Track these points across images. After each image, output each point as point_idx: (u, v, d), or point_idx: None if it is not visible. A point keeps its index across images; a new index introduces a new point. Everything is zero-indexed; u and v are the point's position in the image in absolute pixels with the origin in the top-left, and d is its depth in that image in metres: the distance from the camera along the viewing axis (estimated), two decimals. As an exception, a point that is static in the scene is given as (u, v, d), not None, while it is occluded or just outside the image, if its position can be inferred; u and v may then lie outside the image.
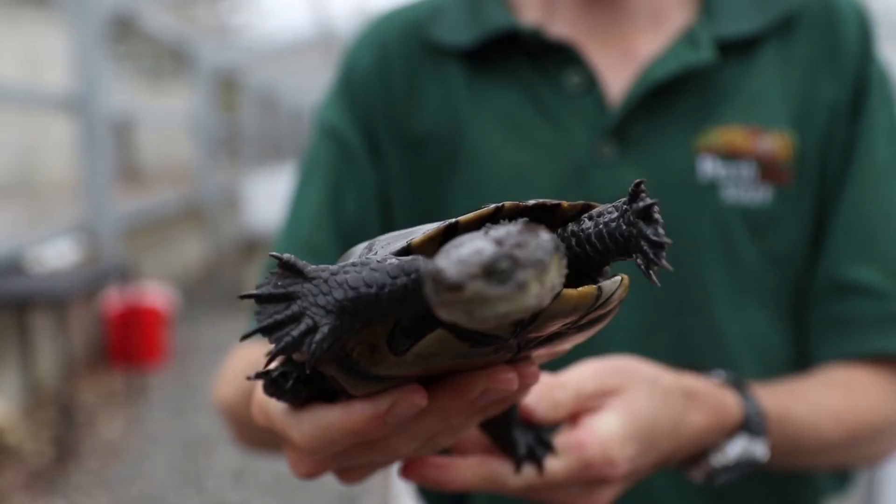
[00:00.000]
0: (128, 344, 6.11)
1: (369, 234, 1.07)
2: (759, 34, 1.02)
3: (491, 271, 0.39)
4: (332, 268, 0.46)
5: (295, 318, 0.45)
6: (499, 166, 1.03)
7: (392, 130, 1.08)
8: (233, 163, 15.34)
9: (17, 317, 5.31)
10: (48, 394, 5.56)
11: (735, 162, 1.00)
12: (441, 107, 1.07)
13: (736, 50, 1.02)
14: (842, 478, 1.10)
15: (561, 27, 1.06)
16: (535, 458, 0.66)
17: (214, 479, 4.64)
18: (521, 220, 0.46)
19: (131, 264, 6.60)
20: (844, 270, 1.00)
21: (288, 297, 0.45)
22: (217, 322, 8.00)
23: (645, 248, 0.50)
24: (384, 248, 0.51)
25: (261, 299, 0.46)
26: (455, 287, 0.39)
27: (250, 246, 9.09)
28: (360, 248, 0.56)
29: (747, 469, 0.83)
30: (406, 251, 0.48)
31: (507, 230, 0.42)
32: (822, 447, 0.92)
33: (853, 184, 1.02)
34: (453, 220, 0.49)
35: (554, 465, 0.68)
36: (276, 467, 4.69)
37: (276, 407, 0.60)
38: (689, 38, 1.01)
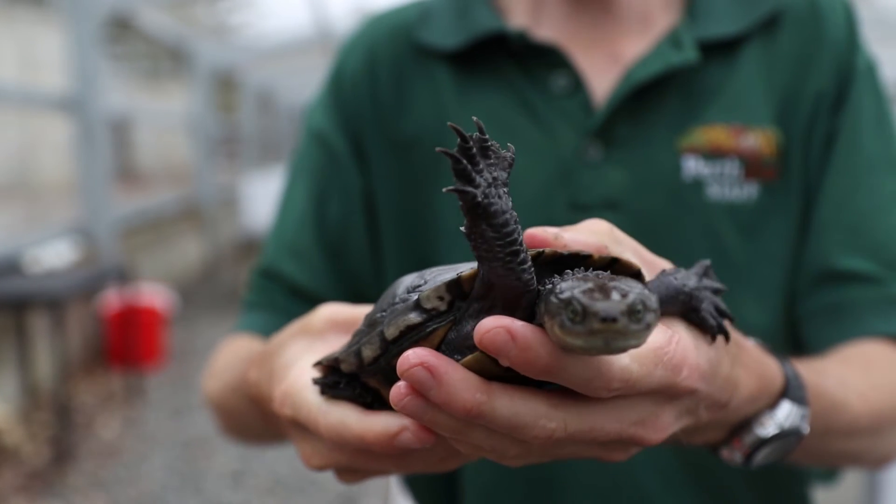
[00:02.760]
0: (126, 344, 6.11)
1: (353, 238, 1.09)
2: (742, 35, 1.03)
3: (632, 311, 0.47)
4: (507, 193, 0.53)
5: (473, 183, 0.51)
6: None
7: (379, 134, 1.09)
8: (231, 163, 15.36)
9: (14, 317, 5.30)
10: (46, 395, 5.56)
11: (719, 160, 1.01)
12: (429, 110, 1.08)
13: (719, 50, 1.03)
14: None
15: (548, 30, 1.07)
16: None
17: (213, 480, 4.63)
18: (609, 273, 0.54)
19: (129, 265, 6.59)
20: (837, 260, 1.00)
21: (479, 170, 0.52)
22: (215, 322, 7.99)
23: (713, 313, 0.61)
24: (435, 278, 0.59)
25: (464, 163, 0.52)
26: (610, 319, 0.46)
27: (248, 246, 9.10)
28: (410, 278, 0.64)
29: (789, 443, 0.75)
30: (456, 282, 0.56)
31: (622, 279, 0.51)
32: (851, 429, 0.86)
33: (839, 173, 1.02)
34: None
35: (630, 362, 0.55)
36: (275, 468, 4.68)
37: (308, 397, 0.64)
38: (672, 40, 1.02)
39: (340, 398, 0.63)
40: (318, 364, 0.66)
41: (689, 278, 0.62)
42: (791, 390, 0.75)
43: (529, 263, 0.53)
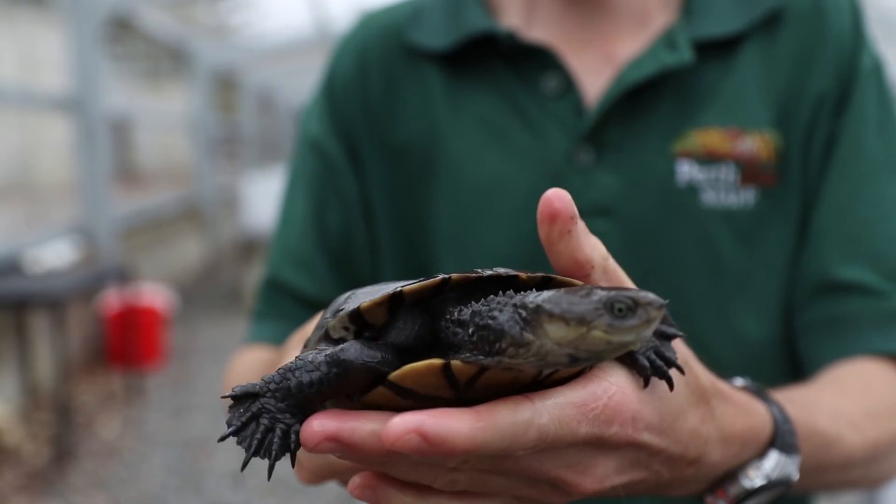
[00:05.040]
0: (126, 344, 6.11)
1: (355, 244, 1.09)
2: (740, 34, 0.99)
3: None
4: (276, 377, 0.53)
5: (269, 430, 0.53)
6: (477, 173, 1.02)
7: (372, 139, 1.07)
8: (231, 163, 15.35)
9: (15, 317, 5.31)
10: (46, 395, 5.56)
11: (714, 165, 0.97)
12: (420, 114, 1.05)
13: (715, 51, 0.99)
14: None
15: (540, 31, 1.04)
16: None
17: (213, 480, 4.63)
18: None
19: (129, 265, 6.60)
20: (837, 270, 0.96)
21: (254, 417, 0.53)
22: (215, 322, 7.99)
23: (651, 357, 0.58)
24: (356, 300, 0.58)
25: (237, 431, 0.53)
26: (664, 304, 0.50)
27: (249, 246, 9.09)
28: (343, 297, 0.62)
29: (778, 492, 0.71)
30: (356, 313, 0.55)
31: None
32: (846, 462, 0.82)
33: (840, 179, 0.98)
34: (399, 289, 0.54)
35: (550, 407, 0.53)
36: (276, 468, 4.67)
37: None
38: (666, 40, 0.98)
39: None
40: None
41: None
42: (780, 437, 0.72)
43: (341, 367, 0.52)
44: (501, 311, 0.51)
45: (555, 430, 0.52)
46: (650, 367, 0.58)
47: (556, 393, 0.53)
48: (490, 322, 0.51)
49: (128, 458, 4.89)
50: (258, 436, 0.52)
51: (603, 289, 0.51)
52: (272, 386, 0.53)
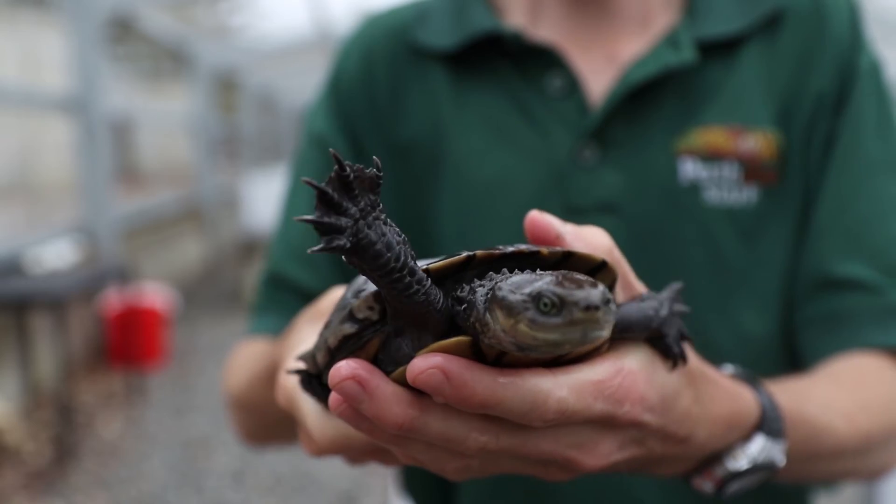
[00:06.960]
0: (127, 344, 6.11)
1: None
2: (742, 34, 1.01)
3: (606, 299, 0.47)
4: (384, 217, 0.50)
5: (340, 230, 0.49)
6: (482, 172, 1.03)
7: (378, 138, 1.08)
8: (232, 163, 15.37)
9: (16, 317, 5.31)
10: (47, 394, 5.57)
11: (717, 163, 0.98)
12: (425, 113, 1.06)
13: (718, 50, 1.01)
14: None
15: (545, 31, 1.06)
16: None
17: (214, 480, 4.64)
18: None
19: (130, 265, 6.60)
20: (836, 267, 0.97)
21: (342, 211, 0.49)
22: (216, 322, 8.00)
23: (677, 340, 0.61)
24: (371, 284, 0.56)
25: (323, 199, 0.49)
26: (593, 307, 0.46)
27: (249, 246, 9.09)
28: (360, 280, 0.61)
29: (764, 476, 0.74)
30: (380, 293, 0.54)
31: (566, 272, 0.50)
32: (838, 452, 0.83)
33: (839, 177, 0.99)
34: (425, 267, 0.54)
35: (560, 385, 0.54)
36: (276, 468, 4.69)
37: (302, 405, 0.65)
38: (670, 40, 1.00)
39: (318, 397, 0.63)
40: (300, 358, 0.67)
41: (662, 306, 0.61)
42: (766, 423, 0.74)
43: (421, 286, 0.51)
44: (483, 287, 0.51)
45: (573, 403, 0.53)
46: (678, 352, 0.61)
47: (575, 369, 0.55)
48: (472, 298, 0.51)
49: (129, 458, 4.90)
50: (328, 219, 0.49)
51: (549, 277, 0.48)
52: (375, 213, 0.50)
